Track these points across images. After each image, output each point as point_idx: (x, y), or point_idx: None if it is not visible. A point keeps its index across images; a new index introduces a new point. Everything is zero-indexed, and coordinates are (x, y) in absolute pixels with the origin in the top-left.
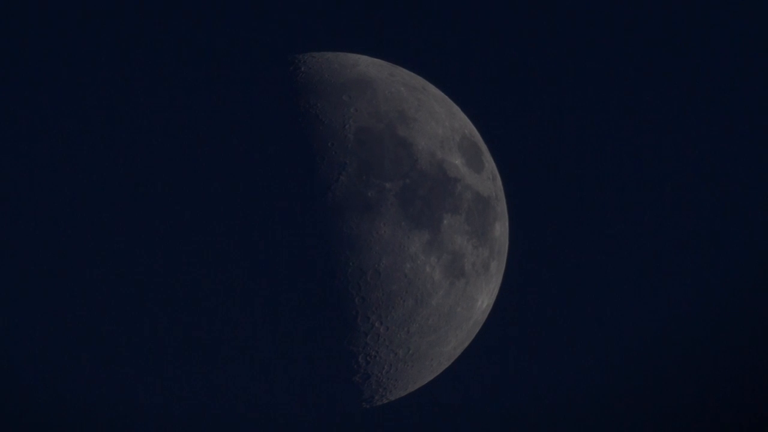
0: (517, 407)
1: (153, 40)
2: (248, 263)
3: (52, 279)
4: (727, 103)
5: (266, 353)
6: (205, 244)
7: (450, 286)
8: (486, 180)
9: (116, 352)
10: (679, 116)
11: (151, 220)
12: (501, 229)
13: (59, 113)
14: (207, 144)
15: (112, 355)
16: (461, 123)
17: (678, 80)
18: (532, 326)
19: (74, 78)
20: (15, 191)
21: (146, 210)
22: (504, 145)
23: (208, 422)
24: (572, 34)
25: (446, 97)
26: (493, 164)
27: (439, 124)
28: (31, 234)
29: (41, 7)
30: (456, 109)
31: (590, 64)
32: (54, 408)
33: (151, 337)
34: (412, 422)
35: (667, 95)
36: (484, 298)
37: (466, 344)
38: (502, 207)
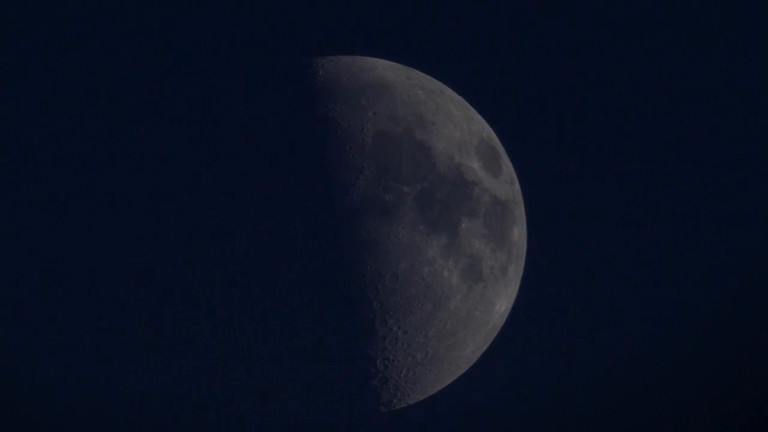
0: (535, 410)
1: (173, 46)
2: (264, 266)
3: (52, 279)
4: (734, 106)
5: (283, 356)
6: (221, 246)
7: (468, 290)
8: (504, 183)
9: (128, 351)
10: (697, 120)
11: (164, 222)
12: (519, 233)
13: (77, 114)
14: (225, 147)
15: (120, 355)
16: (479, 126)
17: (694, 85)
18: (551, 330)
19: (94, 79)
20: (16, 191)
21: (159, 211)
22: (522, 148)
23: (221, 423)
24: (590, 38)
25: (464, 100)
26: (511, 168)
27: (457, 128)
28: (32, 234)
29: (72, 7)
30: (473, 112)
31: (607, 68)
32: (54, 408)
33: (158, 337)
34: (431, 426)
35: (687, 100)
36: (502, 302)
37: (485, 348)
38: (520, 211)
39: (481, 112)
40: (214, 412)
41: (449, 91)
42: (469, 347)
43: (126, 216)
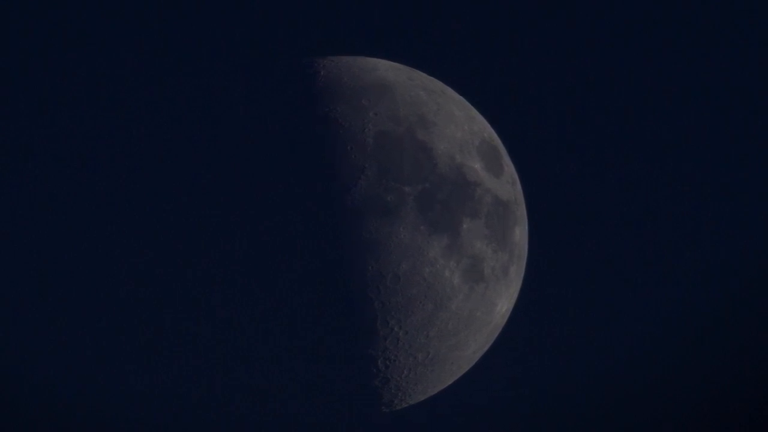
0: (535, 411)
1: (173, 46)
2: (264, 266)
3: (52, 279)
4: (736, 107)
5: (283, 356)
6: (221, 246)
7: (469, 291)
8: (505, 184)
9: (128, 351)
10: (697, 120)
11: (164, 222)
12: (520, 233)
13: (77, 114)
14: (225, 147)
15: (120, 355)
16: (480, 127)
17: (694, 85)
18: (551, 330)
19: (94, 79)
20: (16, 191)
21: (159, 211)
22: (523, 148)
23: (221, 423)
24: (590, 38)
25: (465, 100)
26: (513, 168)
27: (459, 128)
28: (32, 234)
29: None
30: (475, 112)
31: (607, 68)
32: (54, 408)
33: (158, 337)
34: (432, 426)
35: (687, 100)
36: (503, 303)
37: (486, 348)
38: (521, 211)
39: (482, 112)
40: (214, 412)
41: (450, 92)
42: (470, 347)
43: (126, 216)
